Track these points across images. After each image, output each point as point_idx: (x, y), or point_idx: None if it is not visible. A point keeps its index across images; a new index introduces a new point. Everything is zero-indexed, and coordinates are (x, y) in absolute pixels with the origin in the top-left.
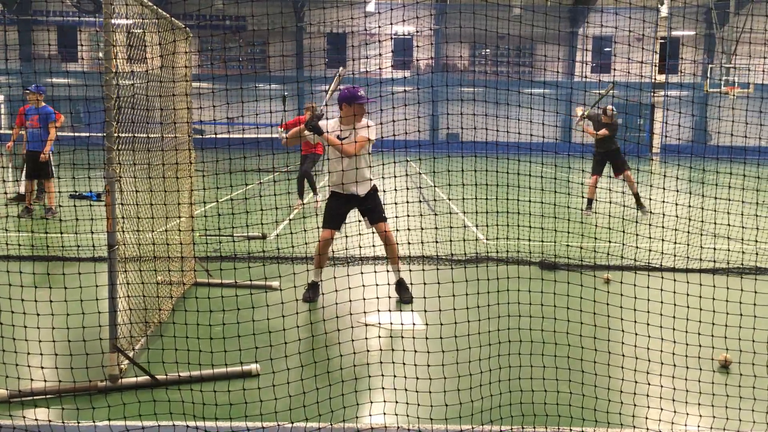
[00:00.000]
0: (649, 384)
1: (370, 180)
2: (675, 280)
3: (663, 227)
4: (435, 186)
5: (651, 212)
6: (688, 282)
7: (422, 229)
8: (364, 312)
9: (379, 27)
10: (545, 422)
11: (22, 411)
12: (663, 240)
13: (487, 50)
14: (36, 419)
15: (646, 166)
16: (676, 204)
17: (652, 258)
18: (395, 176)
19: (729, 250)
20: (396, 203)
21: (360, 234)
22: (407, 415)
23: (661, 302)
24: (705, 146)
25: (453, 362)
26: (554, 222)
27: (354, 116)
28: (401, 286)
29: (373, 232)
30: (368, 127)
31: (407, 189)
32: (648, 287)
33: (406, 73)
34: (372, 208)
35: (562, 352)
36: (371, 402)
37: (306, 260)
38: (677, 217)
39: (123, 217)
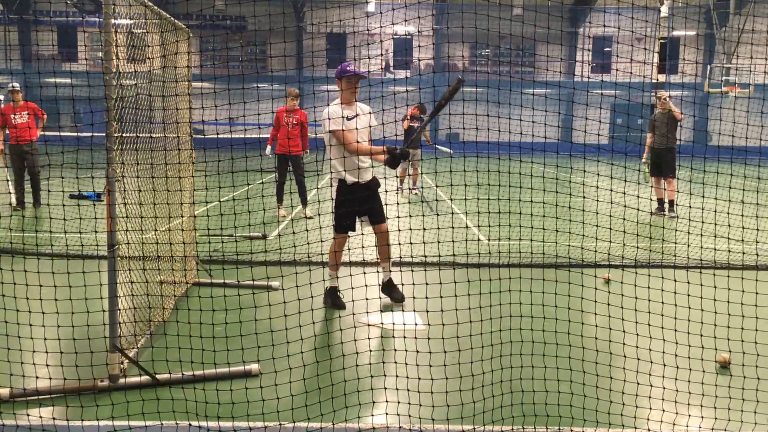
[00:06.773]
0: (650, 385)
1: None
2: (675, 280)
3: (663, 227)
4: (436, 186)
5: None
6: (688, 282)
7: (424, 229)
8: (366, 312)
9: (381, 27)
10: (546, 422)
11: (25, 410)
12: (663, 240)
13: (488, 50)
14: (40, 416)
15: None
16: (677, 204)
17: (653, 258)
18: (397, 176)
19: (729, 251)
20: (398, 203)
21: (362, 234)
22: (408, 416)
23: (662, 302)
24: (717, 148)
25: (454, 362)
26: (555, 222)
27: (354, 91)
28: (391, 286)
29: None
30: (371, 113)
31: (409, 189)
32: (648, 287)
33: (407, 73)
34: (376, 208)
35: (562, 352)
36: (373, 402)
37: (307, 261)
38: (678, 217)
39: (124, 216)
